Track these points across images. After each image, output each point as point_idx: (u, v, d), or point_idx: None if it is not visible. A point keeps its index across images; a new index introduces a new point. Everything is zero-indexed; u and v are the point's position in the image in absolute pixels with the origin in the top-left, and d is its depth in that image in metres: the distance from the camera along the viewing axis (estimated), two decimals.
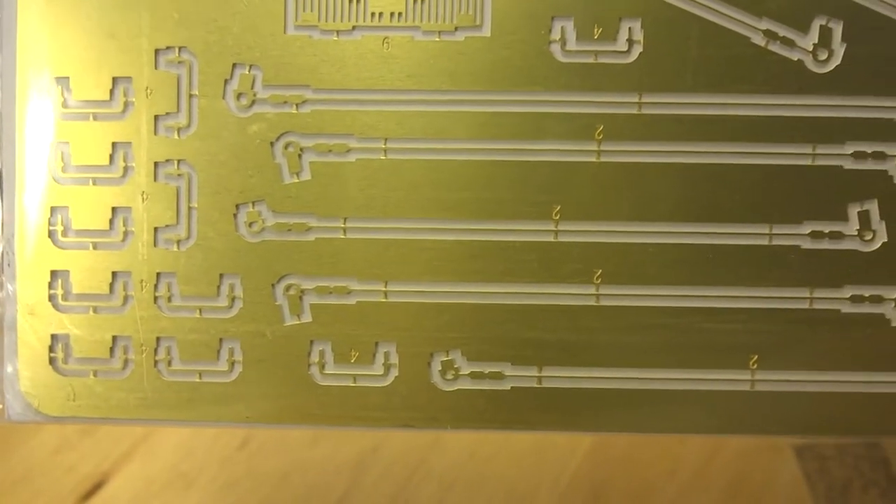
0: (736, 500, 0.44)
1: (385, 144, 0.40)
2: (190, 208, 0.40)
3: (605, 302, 0.40)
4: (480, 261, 0.40)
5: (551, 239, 0.40)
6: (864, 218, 0.39)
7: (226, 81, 0.40)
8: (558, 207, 0.40)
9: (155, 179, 0.40)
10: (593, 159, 0.39)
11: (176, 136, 0.40)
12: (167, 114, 0.40)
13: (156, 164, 0.40)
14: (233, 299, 0.41)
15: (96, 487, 0.47)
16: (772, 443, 0.46)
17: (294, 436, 0.44)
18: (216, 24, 0.40)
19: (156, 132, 0.40)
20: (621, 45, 0.39)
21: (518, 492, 0.41)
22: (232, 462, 0.46)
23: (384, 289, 0.40)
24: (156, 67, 0.40)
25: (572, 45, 0.39)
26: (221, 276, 0.41)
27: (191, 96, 0.40)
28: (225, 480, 0.45)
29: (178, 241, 0.41)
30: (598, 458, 0.41)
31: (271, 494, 0.45)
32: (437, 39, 0.40)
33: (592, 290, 0.40)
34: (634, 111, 0.39)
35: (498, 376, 0.40)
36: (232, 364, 0.41)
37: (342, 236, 0.40)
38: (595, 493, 0.41)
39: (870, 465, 0.49)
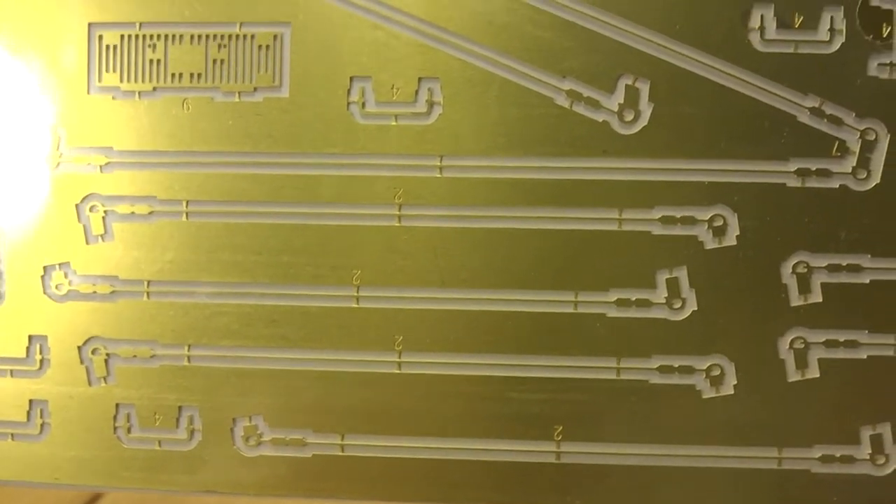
0: None
1: (186, 207, 0.39)
2: None
3: (407, 369, 0.38)
4: (280, 326, 0.38)
5: (352, 304, 0.38)
6: (673, 285, 0.37)
7: (29, 142, 0.39)
8: (358, 272, 0.38)
9: None
10: (394, 223, 0.38)
11: None
12: None
13: None
14: (41, 360, 0.40)
15: None
16: None
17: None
18: (18, 85, 0.39)
19: None
20: (421, 106, 0.37)
21: None
22: None
23: (187, 353, 0.39)
24: None
25: (371, 106, 0.38)
26: (30, 337, 0.40)
27: None
28: None
29: None
30: None
31: None
32: (237, 100, 0.38)
33: (394, 357, 0.38)
34: (435, 174, 0.38)
35: (300, 443, 0.39)
36: (42, 426, 0.40)
37: (145, 299, 0.39)
38: None
39: None
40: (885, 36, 0.35)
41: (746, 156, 0.36)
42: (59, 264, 0.39)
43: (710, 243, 0.36)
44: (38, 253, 0.39)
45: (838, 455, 0.36)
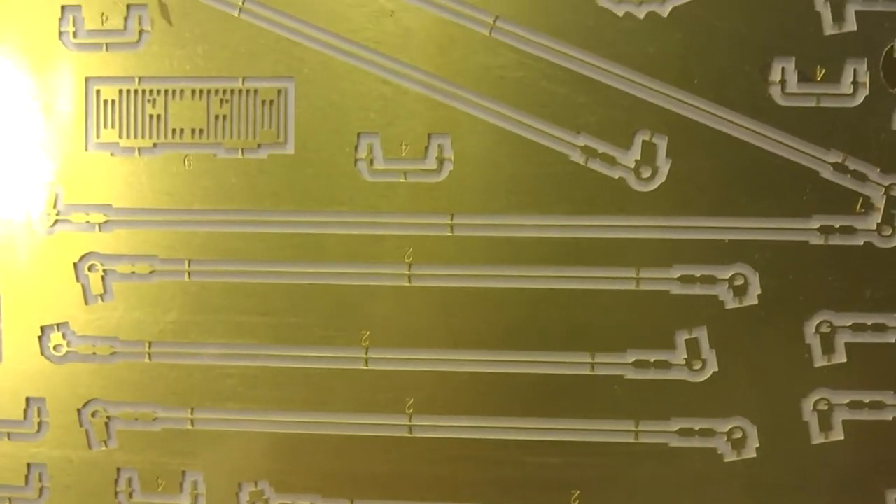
0: None
1: (188, 266, 0.37)
2: None
3: (418, 433, 0.37)
4: (287, 388, 0.37)
5: (361, 366, 0.37)
6: (693, 346, 0.36)
7: (27, 200, 0.38)
8: (367, 333, 0.37)
9: None
10: (404, 283, 0.37)
11: None
12: None
13: None
14: (40, 423, 0.38)
15: None
16: None
17: None
18: (16, 140, 0.38)
19: None
20: (431, 162, 0.36)
21: None
22: None
23: (190, 416, 0.38)
24: None
25: (380, 162, 0.36)
26: (28, 399, 0.38)
27: None
28: None
29: None
30: None
31: None
32: (240, 157, 0.37)
33: (405, 420, 0.37)
34: (446, 232, 0.36)
35: None
36: (41, 490, 0.39)
37: (147, 361, 0.38)
38: None
39: None
40: None
41: (767, 213, 0.35)
42: (58, 325, 0.37)
43: (731, 303, 0.35)
44: (36, 313, 0.38)
45: None
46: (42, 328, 0.38)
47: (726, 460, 0.36)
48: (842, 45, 0.34)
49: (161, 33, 0.36)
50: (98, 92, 0.37)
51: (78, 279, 0.37)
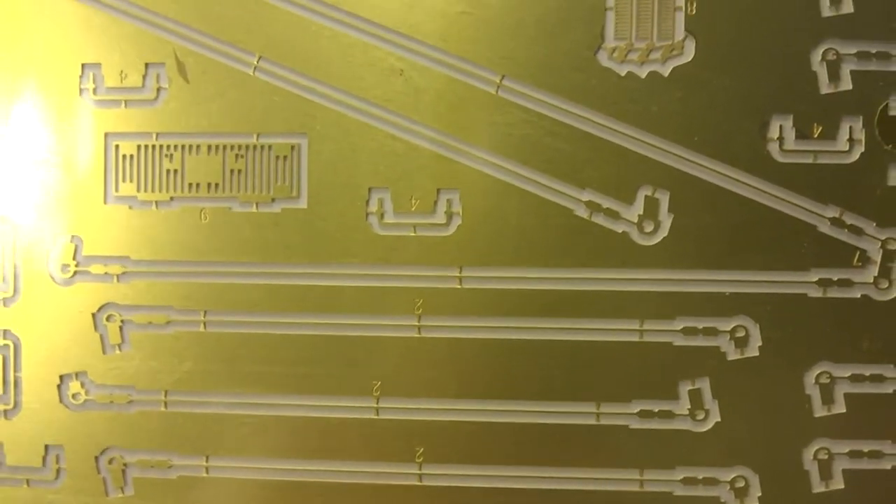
0: None
1: (204, 317, 0.38)
2: (16, 377, 0.39)
3: (428, 481, 0.38)
4: (300, 437, 0.38)
5: (372, 416, 0.38)
6: (696, 397, 0.37)
7: (48, 252, 0.39)
8: (378, 383, 0.38)
9: None
10: (414, 334, 0.37)
11: (1, 306, 0.39)
12: None
13: None
14: (58, 470, 0.39)
15: None
16: None
17: None
18: (37, 193, 0.39)
19: None
20: (440, 217, 0.37)
21: None
22: None
23: (205, 464, 0.39)
24: None
25: (390, 216, 0.37)
26: (47, 446, 0.39)
27: (14, 265, 0.39)
28: None
29: (5, 411, 0.39)
30: None
31: None
32: (254, 210, 0.38)
33: (415, 469, 0.38)
34: (455, 285, 0.37)
35: None
36: None
37: (163, 409, 0.39)
38: None
39: None
40: None
41: (767, 266, 0.36)
42: (76, 373, 0.38)
43: (733, 354, 0.36)
44: (55, 362, 0.39)
45: None
46: (61, 377, 0.38)
47: None
48: (838, 104, 0.35)
49: (178, 90, 0.38)
50: (117, 147, 0.38)
51: (96, 329, 0.38)
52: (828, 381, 0.36)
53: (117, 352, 0.38)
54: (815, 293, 0.36)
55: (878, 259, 0.35)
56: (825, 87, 0.35)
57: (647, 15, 0.36)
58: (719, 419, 0.36)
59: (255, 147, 0.37)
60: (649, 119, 0.36)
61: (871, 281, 0.35)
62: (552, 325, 0.36)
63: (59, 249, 0.38)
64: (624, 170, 0.36)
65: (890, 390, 0.35)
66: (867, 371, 0.35)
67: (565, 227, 0.36)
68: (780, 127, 0.35)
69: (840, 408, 0.36)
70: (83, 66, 0.38)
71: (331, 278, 0.37)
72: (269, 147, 0.37)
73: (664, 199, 0.36)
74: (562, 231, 0.36)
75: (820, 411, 0.36)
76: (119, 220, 0.38)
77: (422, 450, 0.37)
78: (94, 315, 0.38)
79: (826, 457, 0.36)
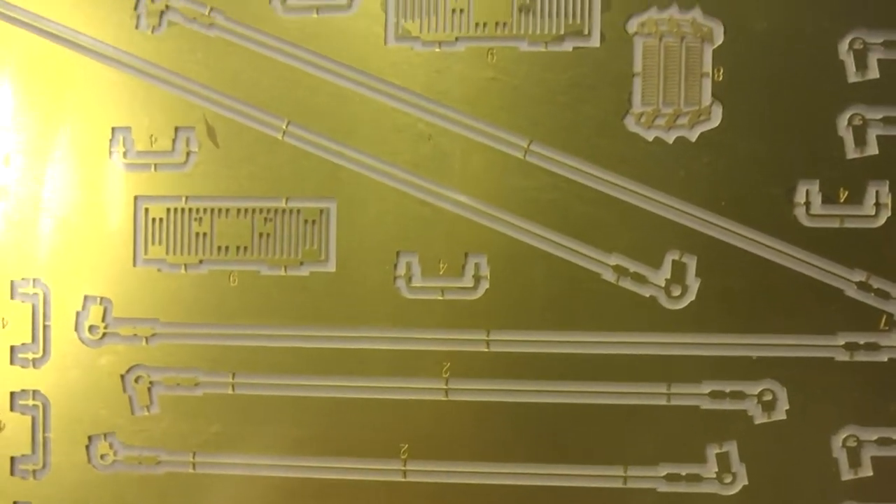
0: None
1: (233, 379, 0.38)
2: (45, 438, 0.40)
3: None
4: (328, 499, 0.38)
5: (399, 478, 0.38)
6: (723, 460, 0.37)
7: (78, 313, 0.39)
8: (406, 446, 0.38)
9: (11, 409, 0.40)
10: (441, 397, 0.38)
11: (31, 367, 0.40)
12: (23, 344, 0.40)
13: (12, 393, 0.40)
14: None
15: None
16: None
17: None
18: (68, 255, 0.39)
19: (12, 362, 0.40)
20: (468, 280, 0.38)
21: None
22: None
23: None
24: (11, 298, 0.40)
25: (418, 280, 0.38)
26: None
27: (45, 327, 0.39)
28: None
29: (34, 471, 0.40)
30: None
31: None
32: (283, 274, 0.38)
33: None
34: (482, 348, 0.37)
35: None
36: None
37: (192, 471, 0.39)
38: None
39: None
40: None
41: (794, 330, 0.36)
42: (105, 434, 0.39)
43: (760, 417, 0.36)
44: (84, 423, 0.39)
45: None
46: (90, 437, 0.39)
47: None
48: (864, 168, 0.36)
49: (208, 154, 0.38)
50: (147, 210, 0.38)
51: (125, 390, 0.38)
52: (855, 444, 0.36)
53: (146, 413, 0.38)
54: (842, 357, 0.36)
55: None
56: (851, 152, 0.35)
57: (675, 81, 0.36)
58: (747, 482, 0.36)
59: (283, 211, 0.37)
60: (676, 184, 0.36)
61: None
62: (579, 388, 0.36)
63: (88, 311, 0.38)
64: (651, 234, 0.36)
65: None
66: (894, 434, 0.36)
67: (593, 291, 0.36)
68: (807, 191, 0.36)
69: (867, 471, 0.36)
70: (113, 129, 0.38)
71: (359, 341, 0.37)
72: (298, 211, 0.37)
73: (691, 263, 0.36)
74: (589, 295, 0.36)
75: (847, 474, 0.36)
76: (148, 283, 0.38)
77: None
78: (122, 376, 0.38)
79: None
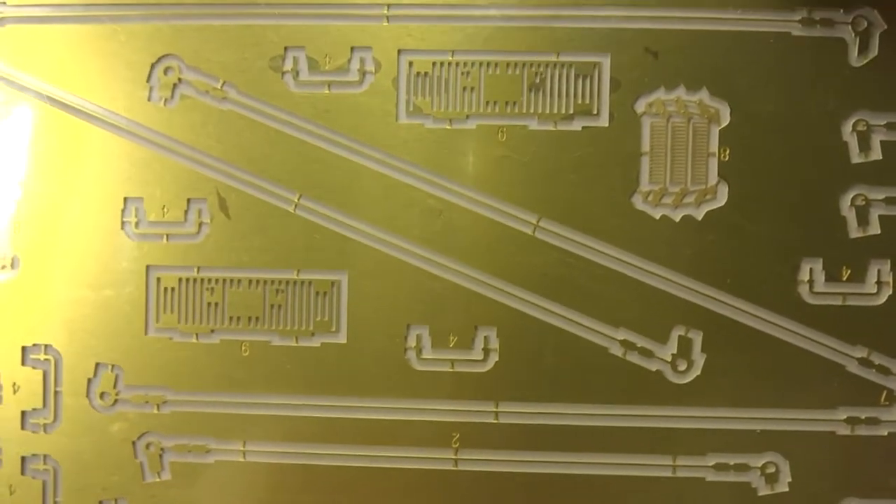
0: None
1: (244, 447, 0.39)
2: (56, 503, 0.40)
3: None
4: None
5: None
6: None
7: (89, 380, 0.40)
8: None
9: (22, 473, 0.40)
10: (451, 467, 0.38)
11: (42, 432, 0.40)
12: (34, 409, 0.40)
13: (23, 457, 0.40)
14: None
15: None
16: None
17: None
18: (80, 323, 0.39)
19: (23, 427, 0.40)
20: (477, 353, 0.38)
21: None
22: None
23: None
24: (22, 363, 0.40)
25: (428, 352, 0.38)
26: None
27: (56, 393, 0.40)
28: None
29: None
30: None
31: None
32: (294, 344, 0.39)
33: None
34: (491, 420, 0.38)
35: None
36: None
37: None
38: None
39: None
40: None
41: (797, 404, 0.37)
42: (116, 500, 0.39)
43: (763, 489, 0.37)
44: (94, 489, 0.39)
45: None
46: (100, 502, 0.39)
47: None
48: (866, 247, 0.36)
49: (220, 226, 0.38)
50: (158, 280, 0.39)
51: (136, 457, 0.39)
52: None
53: (157, 479, 0.39)
54: (844, 431, 0.36)
55: None
56: (854, 232, 0.36)
57: (682, 160, 0.37)
58: None
59: (295, 282, 0.38)
60: (683, 261, 0.37)
61: None
62: (586, 459, 0.37)
63: (99, 378, 0.39)
64: (658, 310, 0.37)
65: None
66: None
67: (600, 364, 0.37)
68: (811, 270, 0.36)
69: None
70: (126, 199, 0.39)
71: (369, 411, 0.38)
72: (310, 283, 0.38)
73: (697, 338, 0.37)
74: (597, 368, 0.37)
75: None
76: (160, 351, 0.38)
77: None
78: (133, 443, 0.39)
79: None
